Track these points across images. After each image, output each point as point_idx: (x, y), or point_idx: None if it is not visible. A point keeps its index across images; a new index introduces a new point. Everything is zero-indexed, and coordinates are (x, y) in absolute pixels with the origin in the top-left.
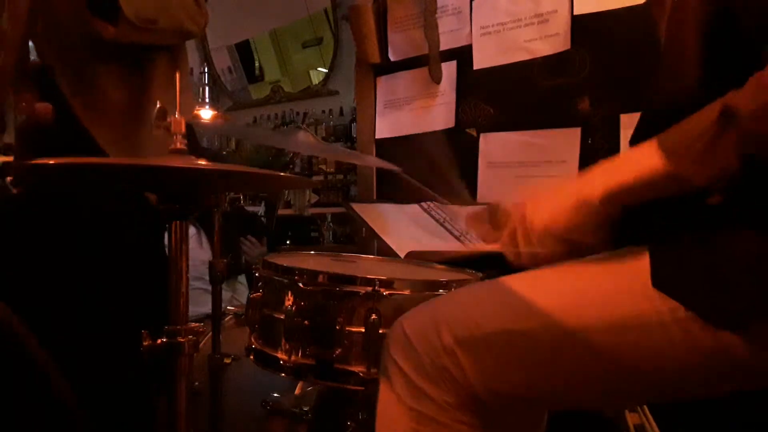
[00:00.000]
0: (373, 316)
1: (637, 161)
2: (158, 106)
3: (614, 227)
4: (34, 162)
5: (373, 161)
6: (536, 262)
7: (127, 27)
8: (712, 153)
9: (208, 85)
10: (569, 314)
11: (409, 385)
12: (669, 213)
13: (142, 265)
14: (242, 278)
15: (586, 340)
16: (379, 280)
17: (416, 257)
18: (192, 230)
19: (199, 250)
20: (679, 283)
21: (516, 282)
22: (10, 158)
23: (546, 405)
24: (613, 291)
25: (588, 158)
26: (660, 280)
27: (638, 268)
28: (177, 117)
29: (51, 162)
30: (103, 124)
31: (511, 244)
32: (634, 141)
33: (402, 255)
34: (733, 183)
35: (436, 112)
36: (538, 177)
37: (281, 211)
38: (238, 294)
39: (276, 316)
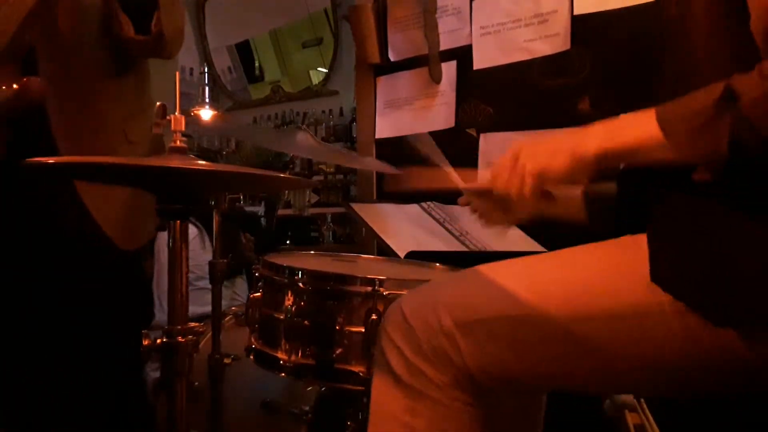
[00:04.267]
0: (373, 316)
1: (634, 126)
2: (158, 104)
3: (613, 213)
4: (32, 161)
5: (372, 164)
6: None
7: (155, 40)
8: (706, 133)
9: (208, 85)
10: (567, 302)
11: (406, 364)
12: (667, 196)
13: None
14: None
15: (583, 329)
16: (379, 280)
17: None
18: (194, 232)
19: (201, 251)
20: (678, 279)
21: (515, 268)
22: None
23: (540, 389)
24: (613, 280)
25: None
26: (659, 275)
27: (639, 257)
28: (177, 115)
29: (51, 161)
30: (65, 116)
31: (498, 175)
32: None
33: (402, 255)
34: (720, 166)
35: (436, 112)
36: None
37: (281, 211)
38: (238, 290)
39: (276, 316)
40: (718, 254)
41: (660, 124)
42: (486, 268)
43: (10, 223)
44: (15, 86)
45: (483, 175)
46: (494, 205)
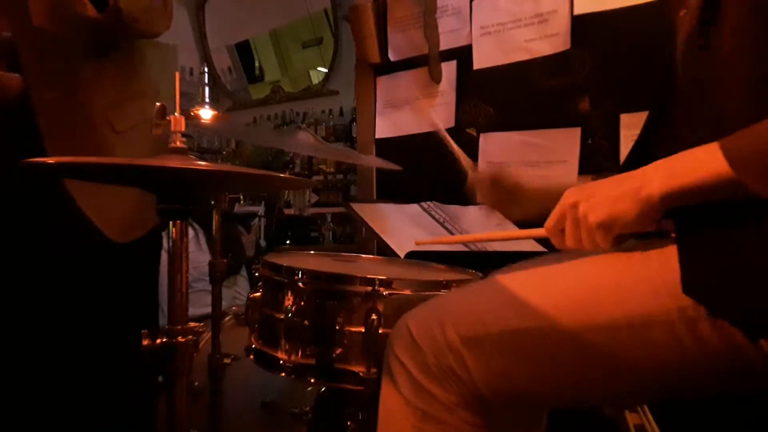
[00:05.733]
0: (373, 316)
1: (700, 163)
2: (158, 105)
3: None
4: (32, 161)
5: (373, 161)
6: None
7: (111, 16)
8: None
9: (208, 85)
10: (574, 313)
11: (413, 383)
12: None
13: (134, 265)
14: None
15: (591, 339)
16: (379, 280)
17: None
18: (190, 233)
19: (198, 252)
20: (713, 291)
21: (521, 281)
22: None
23: (550, 403)
24: (620, 289)
25: (588, 158)
26: (692, 287)
27: (645, 265)
28: (177, 115)
29: (51, 161)
30: (49, 106)
31: (556, 230)
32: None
33: (402, 255)
34: None
35: (436, 112)
36: (539, 177)
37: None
38: (240, 288)
39: (276, 316)
40: (753, 265)
41: (730, 162)
42: (491, 282)
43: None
44: None
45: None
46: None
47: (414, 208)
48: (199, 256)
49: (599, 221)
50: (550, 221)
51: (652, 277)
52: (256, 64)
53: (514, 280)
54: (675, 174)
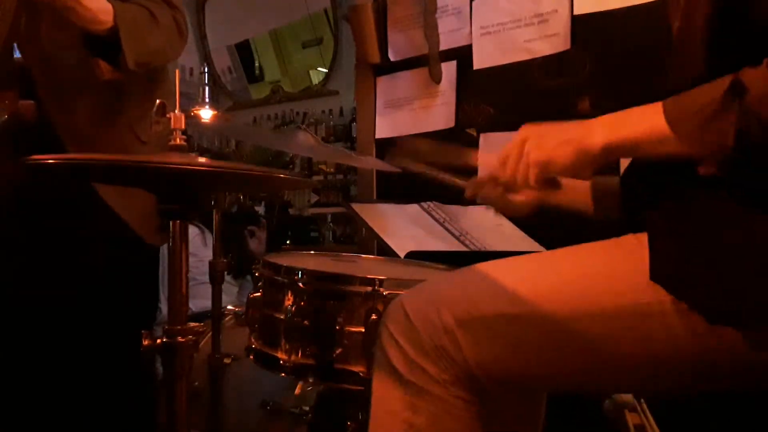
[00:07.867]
0: (373, 316)
1: (641, 119)
2: (158, 102)
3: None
4: (33, 161)
5: (372, 163)
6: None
7: (124, 72)
8: (712, 126)
9: (208, 85)
10: (566, 301)
11: (407, 360)
12: (666, 196)
13: (133, 266)
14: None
15: (583, 328)
16: (379, 280)
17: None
18: (195, 231)
19: (202, 248)
20: (678, 278)
21: (517, 266)
22: None
23: (540, 388)
24: (614, 279)
25: None
26: (658, 274)
27: (640, 256)
28: (177, 113)
29: (51, 160)
30: (72, 126)
31: (503, 166)
32: None
33: (402, 255)
34: (727, 159)
35: (436, 112)
36: None
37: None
38: (245, 291)
39: (276, 316)
40: (718, 252)
41: (667, 118)
42: (487, 266)
43: (32, 223)
44: (7, 103)
45: (488, 160)
46: (502, 192)
47: (414, 208)
48: (203, 251)
49: (538, 159)
50: (502, 152)
51: (645, 268)
52: (256, 64)
53: (511, 266)
54: (618, 127)
